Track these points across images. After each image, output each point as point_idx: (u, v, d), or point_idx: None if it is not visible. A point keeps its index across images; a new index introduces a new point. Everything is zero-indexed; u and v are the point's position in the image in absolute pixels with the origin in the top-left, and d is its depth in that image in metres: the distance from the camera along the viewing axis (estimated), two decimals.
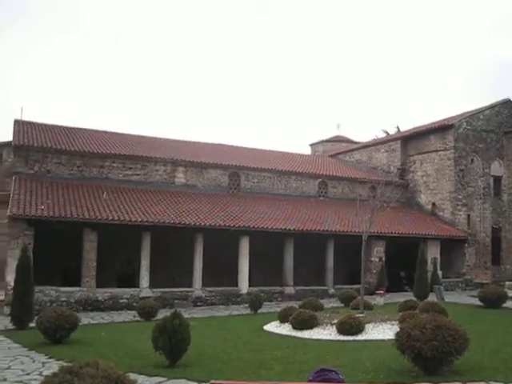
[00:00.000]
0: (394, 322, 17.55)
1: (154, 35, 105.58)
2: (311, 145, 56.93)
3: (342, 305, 26.56)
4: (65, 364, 9.69)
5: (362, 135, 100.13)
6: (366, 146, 47.62)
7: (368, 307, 21.78)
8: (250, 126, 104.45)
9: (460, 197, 38.54)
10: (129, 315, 24.58)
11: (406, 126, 71.06)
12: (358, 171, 42.82)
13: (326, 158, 46.92)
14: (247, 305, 26.62)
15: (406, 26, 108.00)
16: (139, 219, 27.55)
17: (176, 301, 28.10)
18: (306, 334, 17.65)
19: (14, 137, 31.30)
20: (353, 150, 48.43)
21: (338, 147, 52.10)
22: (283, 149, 45.27)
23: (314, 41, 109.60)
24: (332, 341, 16.42)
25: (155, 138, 38.44)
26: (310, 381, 4.95)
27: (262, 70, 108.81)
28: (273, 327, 19.57)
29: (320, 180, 38.90)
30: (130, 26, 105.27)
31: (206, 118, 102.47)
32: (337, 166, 43.14)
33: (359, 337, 16.71)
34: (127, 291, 27.92)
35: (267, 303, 27.63)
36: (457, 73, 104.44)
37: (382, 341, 15.53)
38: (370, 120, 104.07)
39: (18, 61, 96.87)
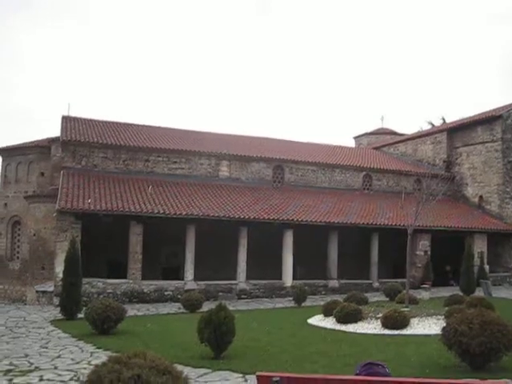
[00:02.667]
0: (439, 317, 17.30)
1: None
2: (355, 137, 56.43)
3: (387, 299, 26.31)
4: (112, 354, 9.89)
5: (407, 127, 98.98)
6: (411, 138, 46.93)
7: (413, 301, 21.52)
8: (293, 119, 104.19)
9: (508, 189, 37.68)
10: (174, 307, 24.89)
11: (452, 117, 69.75)
12: (403, 164, 42.27)
13: (370, 151, 46.46)
14: (291, 298, 26.64)
15: (447, 14, 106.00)
16: (184, 212, 27.81)
17: (220, 293, 28.31)
18: (350, 327, 17.56)
19: (61, 132, 31.95)
20: (397, 143, 47.79)
21: (383, 140, 51.49)
22: (327, 142, 45.03)
23: (354, 32, 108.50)
24: (377, 335, 16.30)
25: (199, 132, 38.67)
26: (356, 374, 4.95)
27: (307, 64, 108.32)
28: (317, 321, 19.54)
29: (364, 173, 38.56)
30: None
31: (249, 112, 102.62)
32: (381, 159, 42.67)
33: (404, 331, 16.54)
34: (172, 283, 28.24)
35: (311, 296, 27.60)
36: (502, 61, 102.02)
37: (428, 336, 15.34)
38: (415, 111, 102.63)
39: (65, 58, 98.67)
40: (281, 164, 35.78)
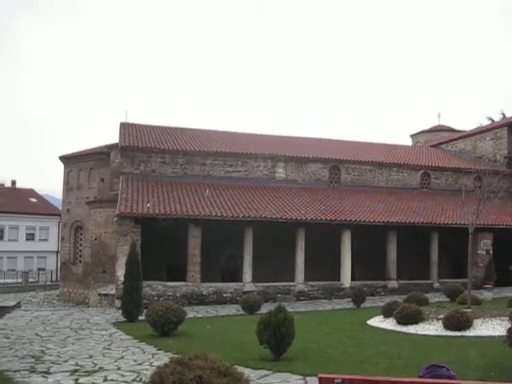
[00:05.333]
0: (504, 318, 16.81)
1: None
2: (412, 135, 55.56)
3: (448, 299, 25.81)
4: (173, 355, 10.04)
5: (465, 123, 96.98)
6: (470, 134, 45.87)
7: (476, 302, 21.06)
8: (349, 119, 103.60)
9: None
10: (232, 309, 25.06)
11: None
12: (462, 161, 41.33)
13: (427, 149, 45.62)
14: (350, 299, 26.46)
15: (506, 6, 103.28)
16: (241, 215, 27.98)
17: (279, 295, 28.35)
18: (411, 329, 17.32)
19: (120, 139, 32.62)
20: (455, 140, 46.76)
21: (440, 137, 50.50)
22: (383, 141, 44.48)
23: (410, 27, 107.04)
24: (439, 336, 16.02)
25: (254, 135, 38.86)
26: (420, 376, 4.88)
27: (362, 63, 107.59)
28: (377, 322, 19.35)
29: (422, 171, 37.90)
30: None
31: (302, 113, 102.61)
32: (439, 157, 41.84)
33: (467, 333, 16.19)
34: (231, 286, 28.45)
35: (370, 297, 27.33)
36: None
37: (492, 337, 14.95)
38: (473, 107, 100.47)
39: (121, 67, 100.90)
40: (337, 164, 35.56)
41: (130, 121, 36.22)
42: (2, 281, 50.57)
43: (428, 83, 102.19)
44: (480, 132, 45.00)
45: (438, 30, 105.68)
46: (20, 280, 50.40)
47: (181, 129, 37.23)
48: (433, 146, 47.66)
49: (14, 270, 54.49)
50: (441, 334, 16.36)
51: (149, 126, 36.77)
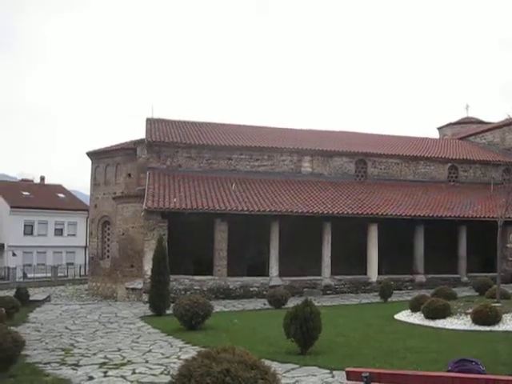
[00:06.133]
0: None
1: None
2: (439, 128, 54.93)
3: (476, 294, 25.55)
4: (200, 349, 10.10)
5: (494, 115, 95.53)
6: (499, 126, 45.15)
7: (505, 296, 20.81)
8: (376, 112, 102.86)
9: None
10: (259, 303, 25.10)
11: None
12: (491, 153, 40.77)
13: (455, 141, 45.09)
14: (377, 293, 26.35)
15: None
16: (268, 209, 27.99)
17: (305, 289, 28.33)
18: (439, 323, 17.18)
19: (146, 134, 32.82)
20: (484, 132, 46.08)
21: (468, 129, 49.82)
22: (410, 134, 44.06)
23: (436, 24, 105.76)
24: (467, 331, 15.86)
25: (279, 129, 38.79)
26: (449, 371, 4.83)
27: (392, 57, 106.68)
28: (404, 316, 19.23)
29: (450, 164, 37.49)
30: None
31: (329, 108, 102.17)
32: (467, 149, 41.31)
33: (496, 327, 16.00)
34: (257, 280, 28.50)
35: (397, 291, 27.19)
36: None
37: None
38: (502, 99, 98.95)
39: (147, 64, 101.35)
40: (363, 158, 35.35)
41: (156, 116, 36.42)
42: (32, 275, 51.38)
43: (456, 75, 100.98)
44: (509, 124, 44.24)
45: (465, 22, 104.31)
46: (49, 274, 51.14)
47: (207, 123, 37.30)
48: (460, 138, 47.05)
49: (43, 265, 55.27)
50: (469, 328, 16.19)
51: (175, 121, 36.92)
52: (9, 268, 49.92)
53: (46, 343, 14.85)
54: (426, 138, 44.13)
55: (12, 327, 12.98)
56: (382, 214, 29.65)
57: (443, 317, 17.55)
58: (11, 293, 26.68)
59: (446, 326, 16.72)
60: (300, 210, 28.53)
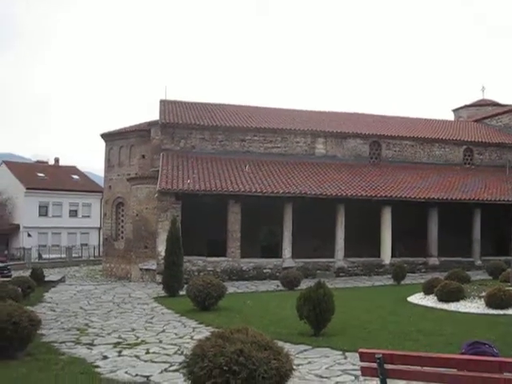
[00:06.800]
0: None
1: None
2: (454, 110, 54.40)
3: (490, 277, 25.41)
4: (214, 330, 10.16)
5: (510, 97, 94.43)
6: None
7: None
8: (390, 94, 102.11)
9: None
10: (272, 285, 25.18)
11: None
12: (507, 136, 40.32)
13: (470, 124, 44.65)
14: (390, 276, 26.34)
15: None
16: (281, 191, 27.99)
17: (318, 271, 28.37)
18: (452, 306, 17.12)
19: (160, 116, 32.82)
20: (500, 114, 45.54)
21: (484, 111, 49.28)
22: (425, 116, 43.68)
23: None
24: (480, 314, 15.80)
25: (293, 110, 38.59)
26: (462, 353, 4.83)
27: (407, 39, 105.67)
28: (417, 299, 19.20)
29: (465, 147, 37.18)
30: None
31: (343, 89, 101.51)
32: (483, 132, 40.91)
33: (510, 311, 15.90)
34: (271, 261, 28.58)
35: (410, 274, 27.17)
36: None
37: None
38: None
39: (160, 45, 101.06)
40: (377, 140, 35.16)
41: (170, 98, 36.39)
42: (47, 256, 51.88)
43: (472, 57, 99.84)
44: None
45: (481, 4, 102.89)
46: (64, 255, 51.61)
47: (220, 105, 37.22)
48: (476, 120, 46.57)
49: (58, 246, 55.77)
50: (482, 311, 16.14)
51: (188, 102, 36.86)
52: (24, 249, 50.46)
53: (62, 323, 15.01)
54: (441, 120, 43.76)
55: (28, 307, 13.10)
56: (395, 197, 29.54)
57: (456, 300, 17.49)
58: (27, 273, 26.99)
59: (460, 309, 16.67)
60: (313, 192, 28.49)
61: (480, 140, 37.87)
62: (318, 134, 33.97)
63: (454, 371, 4.52)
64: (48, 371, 9.14)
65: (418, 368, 4.70)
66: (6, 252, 51.16)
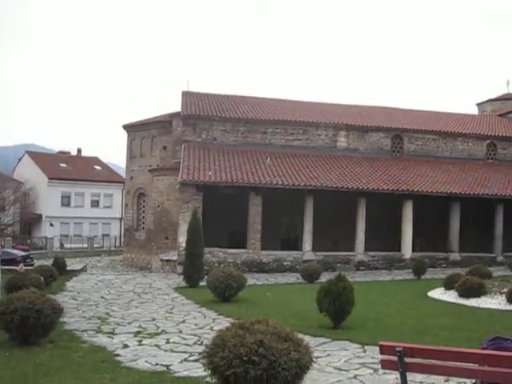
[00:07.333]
0: None
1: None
2: (478, 104, 53.82)
3: None
4: (234, 321, 10.21)
5: None
6: None
7: None
8: (414, 88, 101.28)
9: None
10: (292, 277, 25.21)
11: None
12: None
13: (494, 118, 44.15)
14: (410, 270, 26.22)
15: None
16: (302, 183, 27.97)
17: (338, 264, 28.33)
18: (473, 302, 17.01)
19: (182, 107, 32.92)
20: None
21: (508, 106, 48.59)
22: (448, 110, 43.27)
23: None
24: (501, 310, 15.67)
25: (315, 103, 38.49)
26: (483, 348, 4.81)
27: (431, 33, 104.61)
28: (437, 294, 19.10)
29: (488, 141, 36.78)
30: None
31: (366, 83, 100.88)
32: (507, 126, 40.39)
33: None
34: (291, 254, 28.60)
35: (431, 269, 27.02)
36: None
37: None
38: None
39: (183, 38, 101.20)
40: (400, 133, 34.92)
41: (192, 89, 36.48)
42: (69, 245, 52.44)
43: (497, 50, 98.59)
44: None
45: None
46: (86, 245, 52.14)
47: (242, 97, 37.23)
48: (500, 115, 46.01)
49: (79, 236, 56.36)
50: (504, 308, 16.01)
51: (210, 94, 36.92)
52: (46, 238, 51.07)
53: (83, 311, 15.18)
54: (465, 115, 43.31)
55: (50, 295, 13.26)
56: (417, 191, 29.36)
57: (477, 295, 17.37)
58: (49, 262, 27.29)
59: (480, 305, 16.56)
60: (335, 185, 28.43)
61: (504, 134, 37.42)
62: (340, 127, 33.84)
63: (474, 366, 4.51)
64: (69, 359, 9.26)
65: (439, 362, 4.69)
66: (28, 241, 51.82)
